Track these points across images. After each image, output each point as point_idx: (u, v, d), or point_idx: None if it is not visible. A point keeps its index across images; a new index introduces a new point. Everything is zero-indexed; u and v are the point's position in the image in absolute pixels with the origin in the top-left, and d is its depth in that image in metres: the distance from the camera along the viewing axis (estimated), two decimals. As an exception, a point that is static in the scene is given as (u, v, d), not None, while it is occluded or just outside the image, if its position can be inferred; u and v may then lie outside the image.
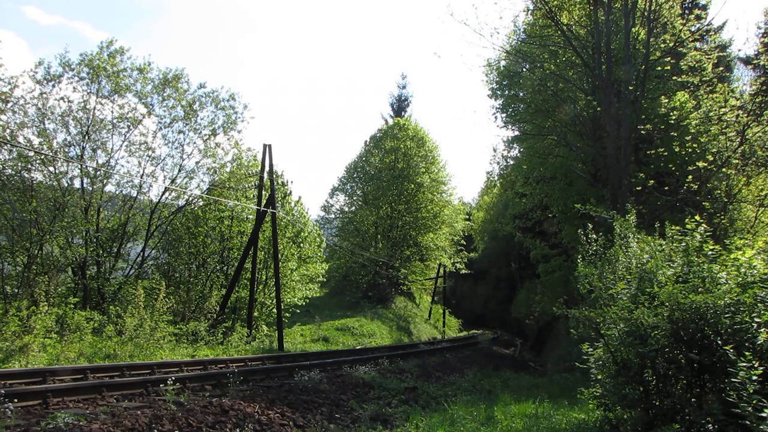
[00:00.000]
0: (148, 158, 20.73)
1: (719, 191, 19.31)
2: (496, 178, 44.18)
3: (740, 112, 18.00)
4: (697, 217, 6.53)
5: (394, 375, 15.24)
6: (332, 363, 15.44)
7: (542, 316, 27.15)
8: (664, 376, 5.87)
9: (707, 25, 21.36)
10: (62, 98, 18.48)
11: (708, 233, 6.31)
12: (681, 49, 18.69)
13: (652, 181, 17.78)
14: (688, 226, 6.39)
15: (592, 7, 19.49)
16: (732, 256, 5.71)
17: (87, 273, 18.77)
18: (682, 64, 18.61)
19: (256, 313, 21.39)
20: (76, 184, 19.14)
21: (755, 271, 5.35)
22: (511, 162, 29.42)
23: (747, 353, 4.47)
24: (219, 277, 22.57)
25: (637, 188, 17.64)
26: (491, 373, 18.41)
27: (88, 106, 19.00)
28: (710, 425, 4.91)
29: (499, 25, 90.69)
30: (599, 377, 6.75)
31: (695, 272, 5.84)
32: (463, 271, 43.97)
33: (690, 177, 17.66)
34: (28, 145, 17.82)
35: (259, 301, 22.23)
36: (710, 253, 6.03)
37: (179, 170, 21.48)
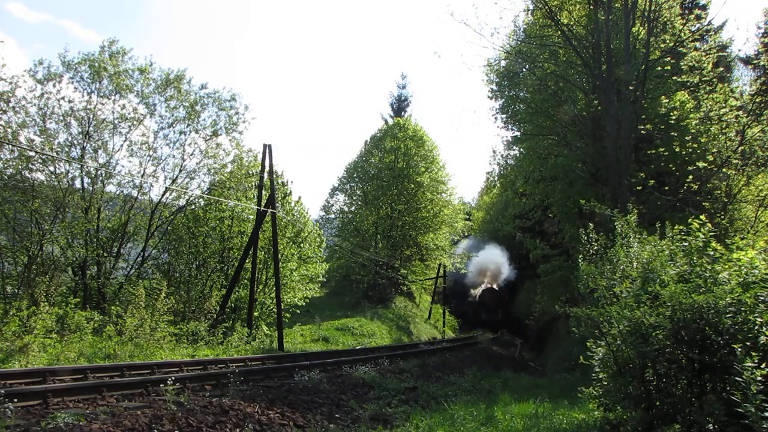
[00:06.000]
0: (149, 158, 20.78)
1: (719, 191, 19.30)
2: (496, 178, 44.23)
3: (740, 112, 18.00)
4: (702, 217, 6.52)
5: (394, 375, 15.24)
6: (332, 363, 15.43)
7: (542, 316, 27.15)
8: (665, 375, 5.87)
9: (707, 25, 21.38)
10: (63, 98, 18.51)
11: (712, 233, 6.31)
12: (681, 48, 18.70)
13: (652, 181, 17.78)
14: (692, 226, 6.39)
15: (592, 7, 19.50)
16: (734, 256, 5.71)
17: (87, 273, 18.77)
18: (682, 63, 18.61)
19: (256, 313, 21.37)
20: (77, 184, 19.17)
21: (756, 272, 5.35)
22: (511, 162, 29.43)
23: (754, 353, 4.47)
24: (219, 277, 22.56)
25: (638, 188, 17.64)
26: (491, 373, 18.42)
27: (89, 106, 19.02)
28: (711, 425, 4.91)
29: (499, 25, 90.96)
30: (600, 376, 6.76)
31: (697, 272, 5.84)
32: (463, 271, 43.92)
33: (690, 177, 17.66)
34: (29, 144, 17.84)
35: (259, 301, 22.22)
36: (712, 253, 6.03)
37: (180, 170, 21.52)
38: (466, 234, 48.82)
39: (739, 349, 4.65)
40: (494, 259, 47.65)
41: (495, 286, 47.72)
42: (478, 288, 48.47)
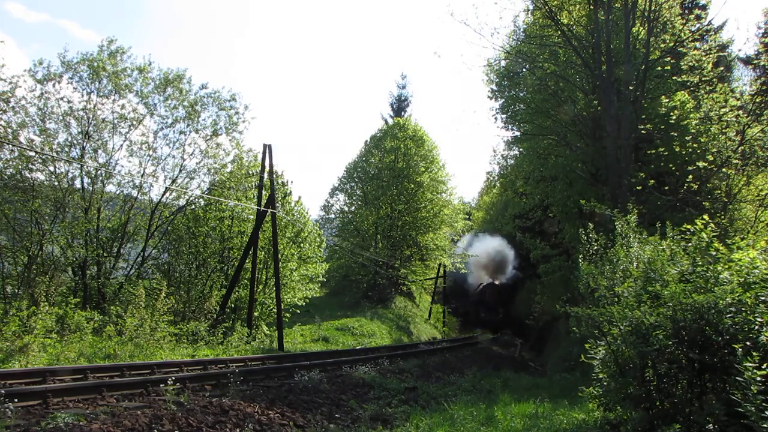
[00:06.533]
0: (149, 158, 20.78)
1: (719, 191, 19.31)
2: (496, 178, 44.11)
3: (740, 112, 18.00)
4: (706, 217, 6.53)
5: (394, 375, 15.24)
6: (332, 363, 15.43)
7: (542, 316, 27.12)
8: (666, 375, 5.87)
9: (707, 24, 21.37)
10: (62, 98, 18.52)
11: (715, 234, 6.31)
12: (681, 48, 18.70)
13: (652, 181, 17.78)
14: (697, 226, 6.39)
15: (592, 7, 19.51)
16: (735, 256, 5.71)
17: (87, 273, 18.76)
18: (682, 63, 18.61)
19: (256, 313, 21.37)
20: (77, 184, 19.17)
21: (757, 272, 5.35)
22: (511, 162, 29.43)
23: (754, 353, 4.47)
24: (219, 277, 22.56)
25: (638, 188, 17.64)
26: (491, 373, 18.42)
27: (88, 106, 19.02)
28: (711, 425, 4.91)
29: (499, 25, 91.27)
30: (600, 376, 6.76)
31: (699, 272, 5.84)
32: (463, 271, 43.87)
33: (690, 177, 17.66)
34: (29, 144, 17.84)
35: (259, 301, 22.22)
36: (714, 253, 6.03)
37: (180, 170, 21.52)
38: (466, 233, 48.70)
39: (740, 350, 4.66)
40: (497, 252, 43.40)
41: (497, 282, 44.02)
42: (477, 284, 44.57)
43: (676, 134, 17.83)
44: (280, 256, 20.87)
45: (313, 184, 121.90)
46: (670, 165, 18.44)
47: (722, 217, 17.99)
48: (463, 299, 49.03)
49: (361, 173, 39.98)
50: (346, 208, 41.13)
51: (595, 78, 19.14)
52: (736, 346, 4.76)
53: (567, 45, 19.46)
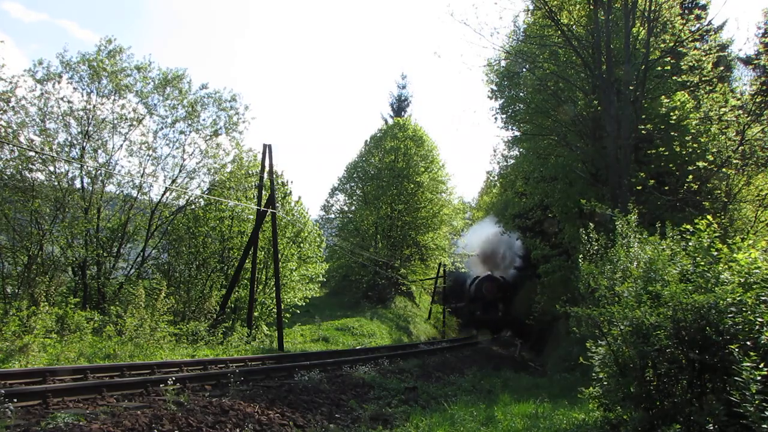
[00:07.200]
0: (148, 158, 20.79)
1: (719, 191, 19.30)
2: (496, 178, 43.96)
3: (740, 112, 17.99)
4: (709, 218, 6.53)
5: (394, 375, 15.24)
6: (332, 363, 15.43)
7: (542, 317, 27.10)
8: (666, 375, 5.87)
9: (707, 24, 21.36)
10: (62, 98, 18.52)
11: (716, 234, 6.30)
12: (681, 48, 18.70)
13: (652, 181, 17.78)
14: (699, 226, 6.39)
15: (592, 7, 19.50)
16: (737, 256, 5.70)
17: (87, 273, 18.77)
18: (682, 63, 18.60)
19: (256, 313, 21.37)
20: (77, 184, 19.18)
21: (758, 272, 5.35)
22: (511, 162, 29.38)
23: (752, 353, 4.47)
24: (219, 277, 22.57)
25: (638, 188, 17.64)
26: (491, 373, 18.43)
27: (88, 106, 19.03)
28: (711, 425, 4.91)
29: (499, 25, 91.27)
30: (600, 376, 6.76)
31: (699, 272, 5.84)
32: (463, 270, 43.83)
33: (690, 177, 17.65)
34: (29, 144, 17.85)
35: (259, 301, 22.22)
36: (715, 253, 6.02)
37: (180, 170, 21.53)
38: (466, 233, 48.69)
39: (736, 350, 4.66)
40: (494, 241, 41.34)
41: (497, 276, 40.47)
42: (475, 278, 40.59)
43: (676, 134, 17.81)
44: (280, 256, 20.86)
45: (313, 184, 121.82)
46: (670, 165, 18.43)
47: (722, 217, 17.97)
48: (462, 298, 48.81)
49: (361, 173, 39.99)
50: (346, 208, 41.16)
51: (595, 78, 19.14)
52: (732, 346, 4.76)
53: (567, 45, 19.45)
